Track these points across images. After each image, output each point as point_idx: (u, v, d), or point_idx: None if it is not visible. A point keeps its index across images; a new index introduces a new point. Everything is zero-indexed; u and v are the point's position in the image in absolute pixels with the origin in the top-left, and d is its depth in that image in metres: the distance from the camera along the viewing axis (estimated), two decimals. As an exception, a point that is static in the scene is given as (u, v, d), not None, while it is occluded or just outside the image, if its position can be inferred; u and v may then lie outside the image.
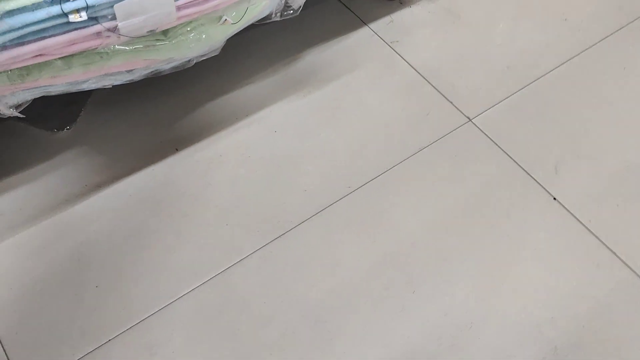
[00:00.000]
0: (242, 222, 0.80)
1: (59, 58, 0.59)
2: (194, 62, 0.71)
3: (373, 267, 0.77)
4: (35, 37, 0.51)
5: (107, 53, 0.64)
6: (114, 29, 0.56)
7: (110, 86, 0.69)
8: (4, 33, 0.49)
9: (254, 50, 0.98)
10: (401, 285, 0.75)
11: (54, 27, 0.51)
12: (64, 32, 0.52)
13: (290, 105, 0.92)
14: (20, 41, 0.50)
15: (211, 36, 0.68)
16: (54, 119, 0.84)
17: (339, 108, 0.93)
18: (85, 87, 0.67)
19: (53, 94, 0.65)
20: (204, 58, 0.72)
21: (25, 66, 0.58)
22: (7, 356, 0.67)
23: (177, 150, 0.86)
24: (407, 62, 0.99)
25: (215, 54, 0.73)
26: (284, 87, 0.94)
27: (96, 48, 0.57)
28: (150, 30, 0.60)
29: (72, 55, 0.60)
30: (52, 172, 0.82)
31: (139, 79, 0.70)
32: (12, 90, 0.61)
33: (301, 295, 0.74)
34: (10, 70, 0.58)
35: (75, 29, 0.52)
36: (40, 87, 0.63)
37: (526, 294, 0.75)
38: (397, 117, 0.92)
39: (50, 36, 0.51)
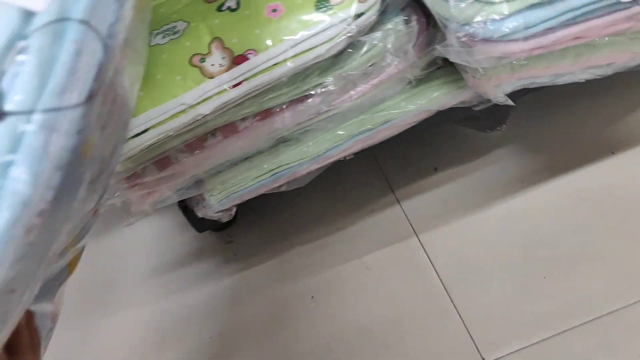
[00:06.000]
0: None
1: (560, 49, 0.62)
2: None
3: None
4: (584, 17, 0.54)
5: (595, 46, 0.65)
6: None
7: (584, 80, 0.70)
8: (562, 13, 0.53)
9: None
10: None
11: (603, 7, 0.53)
12: (610, 13, 0.54)
13: None
14: (570, 22, 0.54)
15: None
16: (487, 119, 0.89)
17: None
18: (562, 80, 0.69)
19: (535, 85, 0.69)
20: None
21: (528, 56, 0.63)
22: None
23: (613, 153, 0.83)
24: None
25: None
26: None
27: (620, 32, 0.57)
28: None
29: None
30: (486, 168, 0.87)
31: (612, 72, 0.70)
32: (508, 79, 0.66)
33: None
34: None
35: (620, 10, 0.53)
36: (530, 77, 0.67)
37: None
38: None
39: (595, 17, 0.54)
